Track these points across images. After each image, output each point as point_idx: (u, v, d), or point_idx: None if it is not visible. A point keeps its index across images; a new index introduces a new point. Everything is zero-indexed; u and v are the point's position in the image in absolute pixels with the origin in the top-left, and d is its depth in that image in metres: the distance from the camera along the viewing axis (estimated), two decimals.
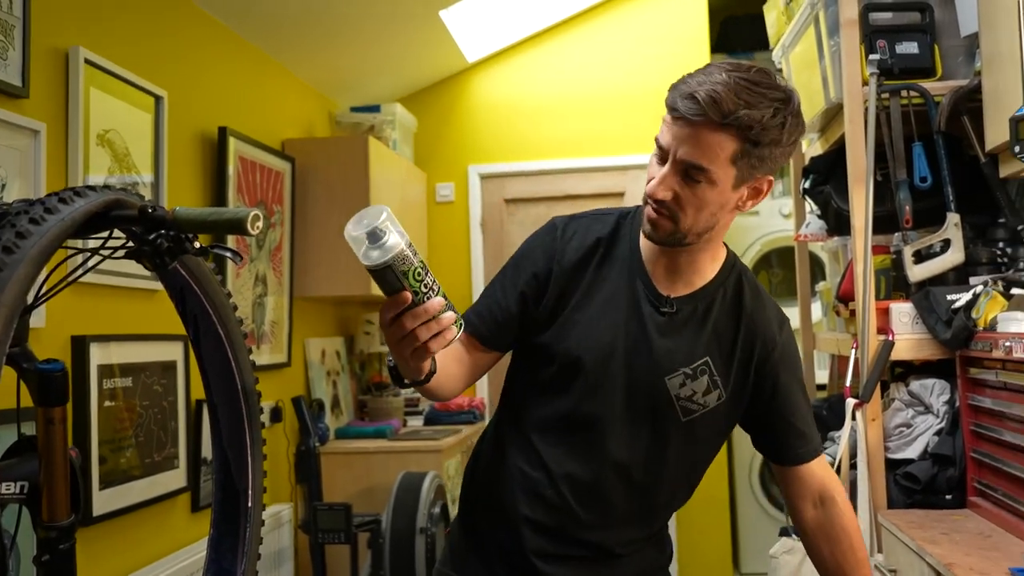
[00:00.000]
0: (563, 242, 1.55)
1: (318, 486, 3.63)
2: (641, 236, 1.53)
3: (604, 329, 1.50)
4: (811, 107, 2.73)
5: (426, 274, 1.20)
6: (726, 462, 4.51)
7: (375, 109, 4.33)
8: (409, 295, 1.19)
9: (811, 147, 3.10)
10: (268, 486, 3.66)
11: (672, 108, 1.37)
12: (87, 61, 2.39)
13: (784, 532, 2.54)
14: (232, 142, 3.20)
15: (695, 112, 1.33)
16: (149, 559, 2.62)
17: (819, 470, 1.58)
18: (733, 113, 1.32)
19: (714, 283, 1.53)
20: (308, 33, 3.65)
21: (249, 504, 1.51)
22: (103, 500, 2.39)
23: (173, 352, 2.74)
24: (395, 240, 1.17)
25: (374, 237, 1.16)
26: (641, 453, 1.51)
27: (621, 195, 4.65)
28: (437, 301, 1.21)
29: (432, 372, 1.38)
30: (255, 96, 3.57)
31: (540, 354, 1.54)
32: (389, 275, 1.18)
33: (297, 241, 3.79)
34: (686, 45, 4.57)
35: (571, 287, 1.53)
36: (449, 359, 1.51)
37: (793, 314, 3.64)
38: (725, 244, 1.57)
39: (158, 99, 2.74)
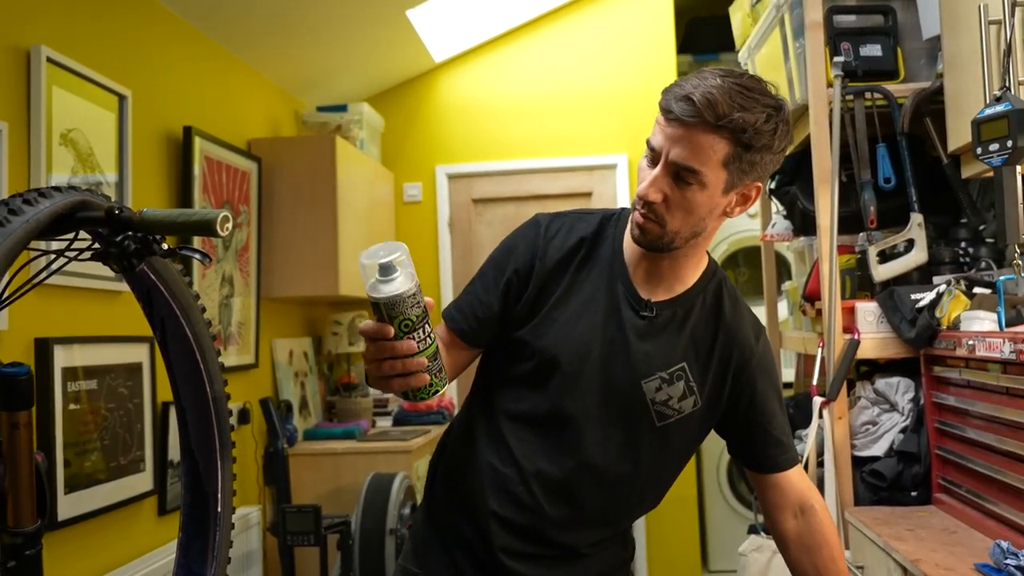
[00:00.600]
0: (546, 240, 1.55)
1: (287, 488, 3.60)
2: (626, 238, 1.52)
3: (582, 329, 1.50)
4: None
5: (418, 326, 1.25)
6: (694, 461, 4.54)
7: (342, 109, 4.31)
8: (390, 331, 1.24)
9: None
10: (236, 488, 3.62)
11: (666, 110, 1.37)
12: (49, 59, 2.35)
13: (753, 529, 2.56)
14: (198, 142, 3.17)
15: (690, 113, 1.33)
16: (115, 563, 2.59)
17: (797, 479, 1.58)
18: (727, 116, 1.32)
19: (694, 289, 1.52)
20: (274, 32, 3.62)
21: (219, 508, 1.50)
22: (68, 504, 2.35)
23: (138, 354, 2.70)
24: (396, 286, 1.22)
25: (383, 271, 1.22)
26: (613, 455, 1.51)
27: (588, 195, 4.67)
28: (409, 344, 1.25)
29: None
30: (221, 95, 3.54)
31: (517, 349, 1.54)
32: (379, 311, 1.24)
33: (264, 241, 3.76)
34: (652, 46, 4.60)
35: (551, 285, 1.53)
36: None
37: (760, 313, 3.67)
38: (708, 253, 1.57)
39: (122, 98, 2.70)
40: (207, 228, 1.12)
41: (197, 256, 1.18)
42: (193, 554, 1.51)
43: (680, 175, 1.37)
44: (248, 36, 3.55)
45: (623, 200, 4.58)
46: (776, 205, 2.99)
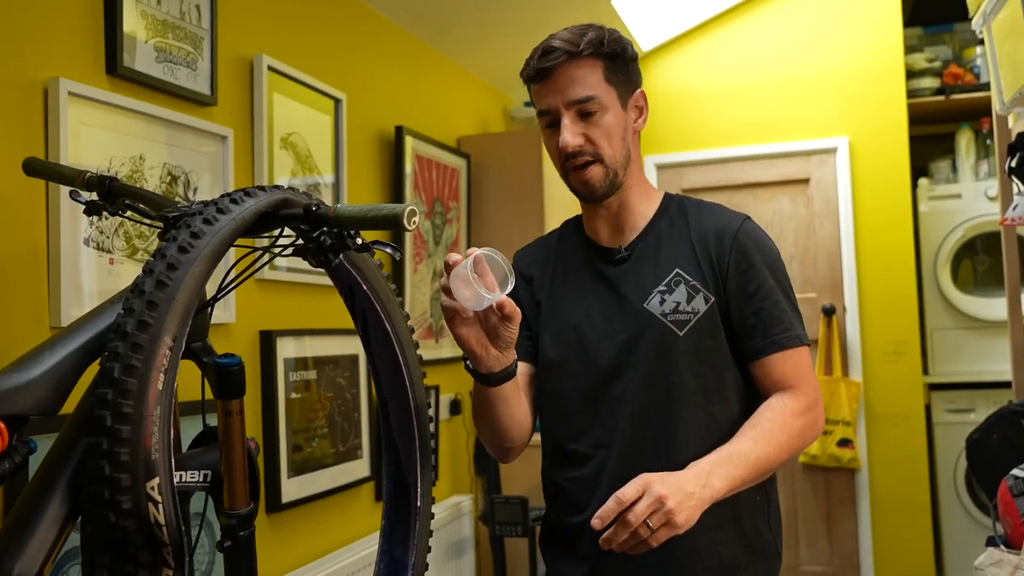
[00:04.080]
0: (522, 265, 1.74)
1: (496, 478, 3.66)
2: (585, 219, 1.68)
3: (571, 309, 1.64)
4: (1017, 78, 2.49)
5: None
6: (927, 463, 4.22)
7: None
8: None
9: (1018, 122, 2.83)
10: (449, 477, 3.71)
11: (539, 71, 1.53)
12: (270, 68, 2.50)
13: (991, 542, 2.33)
14: (408, 140, 3.28)
15: (555, 56, 1.50)
16: (336, 545, 2.73)
17: (780, 365, 1.54)
18: (582, 40, 1.51)
19: (657, 216, 1.63)
20: (480, 29, 3.68)
21: (418, 501, 1.53)
22: (292, 487, 2.50)
23: (355, 346, 2.83)
24: None
25: None
26: (658, 391, 1.54)
27: (806, 181, 4.43)
28: None
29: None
30: (430, 94, 3.64)
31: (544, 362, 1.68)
32: None
33: (473, 236, 3.84)
34: (875, 20, 4.29)
35: (539, 293, 1.70)
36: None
37: (999, 305, 3.34)
38: (661, 191, 1.70)
39: (337, 101, 2.84)
40: (395, 221, 1.14)
41: (387, 250, 1.21)
42: (396, 541, 1.55)
43: (582, 111, 1.52)
44: (456, 35, 3.63)
45: (843, 186, 4.31)
46: (1018, 185, 2.70)
